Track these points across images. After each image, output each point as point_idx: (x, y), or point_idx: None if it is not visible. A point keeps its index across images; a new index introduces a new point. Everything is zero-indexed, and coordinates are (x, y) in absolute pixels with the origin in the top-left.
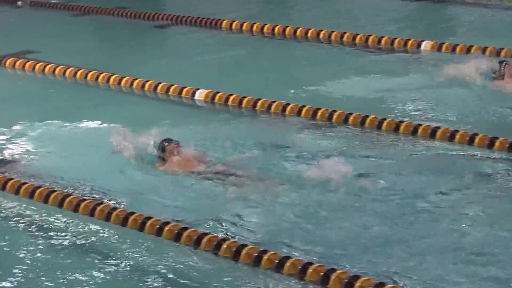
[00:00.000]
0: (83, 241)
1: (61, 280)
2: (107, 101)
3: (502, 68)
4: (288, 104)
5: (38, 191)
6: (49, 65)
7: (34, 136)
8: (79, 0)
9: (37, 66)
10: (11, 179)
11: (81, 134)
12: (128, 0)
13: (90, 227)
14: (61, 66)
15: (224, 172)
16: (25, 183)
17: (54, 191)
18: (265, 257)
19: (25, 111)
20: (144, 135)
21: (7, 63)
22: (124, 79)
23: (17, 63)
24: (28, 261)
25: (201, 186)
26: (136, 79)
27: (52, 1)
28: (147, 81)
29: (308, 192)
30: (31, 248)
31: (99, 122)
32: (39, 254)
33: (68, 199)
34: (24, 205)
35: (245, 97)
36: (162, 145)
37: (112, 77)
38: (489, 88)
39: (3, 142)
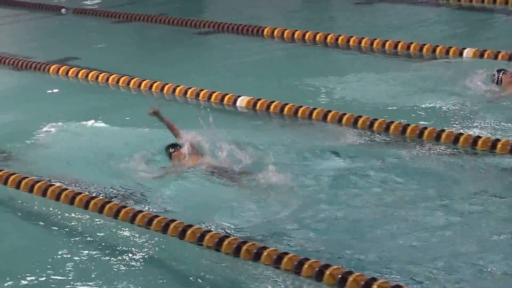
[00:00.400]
0: (124, 248)
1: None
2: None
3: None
4: (330, 111)
5: (78, 197)
6: (92, 72)
7: (75, 142)
8: (121, 6)
9: (80, 72)
10: (52, 185)
11: (125, 138)
12: (171, 7)
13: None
14: (104, 73)
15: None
16: (66, 189)
17: (94, 197)
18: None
19: (69, 117)
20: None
21: (51, 69)
22: (166, 86)
23: (61, 69)
24: (70, 268)
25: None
26: (178, 85)
27: (95, 8)
28: (189, 88)
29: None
30: (71, 254)
31: (141, 127)
32: (78, 259)
33: (108, 206)
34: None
35: (286, 104)
36: (168, 151)
37: (155, 84)
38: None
39: (46, 147)
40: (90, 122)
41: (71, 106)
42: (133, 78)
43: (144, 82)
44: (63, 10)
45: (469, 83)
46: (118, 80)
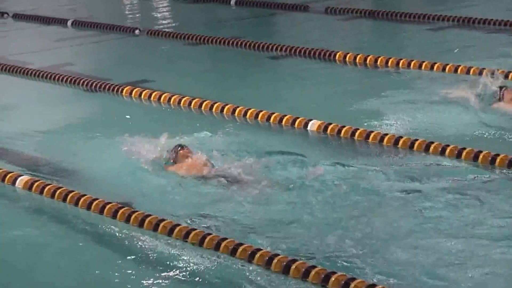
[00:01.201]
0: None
1: None
2: (222, 130)
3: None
4: (401, 137)
5: (134, 215)
6: (165, 94)
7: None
8: (195, 29)
9: (153, 94)
10: (109, 202)
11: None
12: (243, 30)
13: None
14: (176, 95)
15: (226, 176)
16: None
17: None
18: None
19: (141, 138)
20: (256, 164)
21: (124, 91)
22: (238, 109)
23: (134, 91)
24: None
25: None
26: (249, 109)
27: (169, 30)
28: (260, 111)
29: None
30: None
31: (211, 149)
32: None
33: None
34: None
35: (357, 129)
36: (175, 149)
37: (226, 107)
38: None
39: (118, 167)
40: (162, 142)
41: (143, 128)
42: (204, 101)
43: (216, 104)
44: (137, 32)
45: None
46: (190, 102)
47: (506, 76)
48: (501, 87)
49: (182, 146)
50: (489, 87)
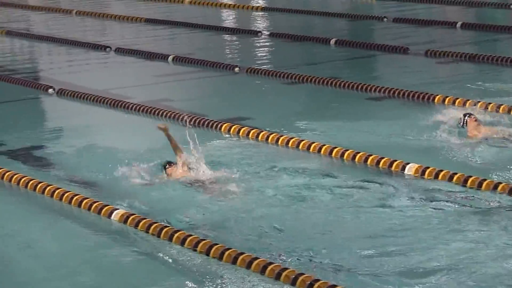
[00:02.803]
0: None
1: None
2: (320, 171)
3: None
4: (500, 183)
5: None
6: (263, 132)
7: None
8: (294, 68)
9: (251, 132)
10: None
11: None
12: (342, 70)
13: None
14: (274, 134)
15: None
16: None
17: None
18: None
19: (242, 176)
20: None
21: (223, 128)
22: (335, 150)
23: (232, 128)
24: None
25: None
26: (347, 150)
27: (268, 69)
28: (358, 152)
29: None
30: None
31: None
32: None
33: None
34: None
35: (455, 173)
36: (163, 167)
37: (324, 147)
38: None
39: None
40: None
41: (243, 166)
42: (302, 140)
43: (314, 144)
44: (236, 69)
45: None
46: (288, 141)
47: None
48: (464, 114)
49: (170, 163)
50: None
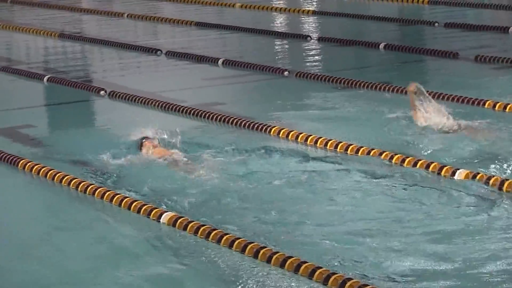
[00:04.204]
0: None
1: None
2: (360, 177)
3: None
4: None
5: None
6: (311, 136)
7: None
8: (343, 72)
9: (300, 136)
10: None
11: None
12: (390, 75)
13: None
14: (323, 138)
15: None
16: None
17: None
18: None
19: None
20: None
21: (272, 131)
22: (384, 153)
23: (281, 132)
24: None
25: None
26: (407, 157)
27: (317, 73)
28: (407, 156)
29: None
30: None
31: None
32: None
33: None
34: None
35: (507, 179)
36: (141, 141)
37: (373, 151)
38: None
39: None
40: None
41: (289, 168)
42: (351, 145)
43: (363, 149)
44: (286, 73)
45: None
46: (337, 145)
47: None
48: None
49: (147, 138)
50: None
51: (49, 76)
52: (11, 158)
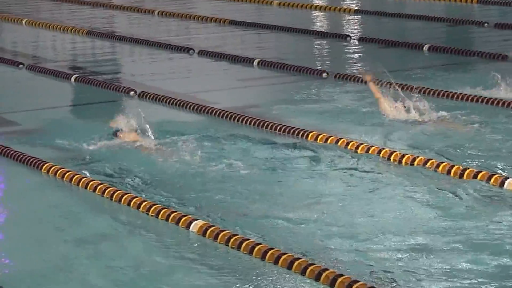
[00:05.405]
0: None
1: None
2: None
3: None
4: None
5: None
6: (353, 142)
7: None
8: (384, 74)
9: (340, 141)
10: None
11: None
12: (434, 78)
13: None
14: (364, 144)
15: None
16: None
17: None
18: None
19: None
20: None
21: (309, 136)
22: (430, 161)
23: (319, 137)
24: None
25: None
26: (442, 162)
27: (357, 75)
28: (453, 165)
29: None
30: None
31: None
32: None
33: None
34: None
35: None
36: (115, 133)
37: (417, 159)
38: None
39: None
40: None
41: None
42: (394, 152)
43: (419, 159)
44: (324, 75)
45: None
46: (380, 151)
47: None
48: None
49: (119, 130)
50: None
51: (77, 75)
52: (34, 160)
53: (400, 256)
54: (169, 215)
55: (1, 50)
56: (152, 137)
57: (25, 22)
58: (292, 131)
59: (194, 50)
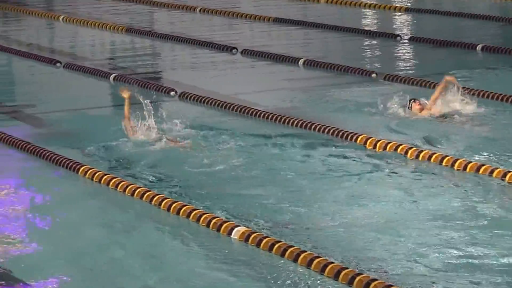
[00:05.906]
0: None
1: None
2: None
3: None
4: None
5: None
6: (402, 145)
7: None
8: (435, 76)
9: (388, 146)
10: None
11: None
12: (488, 81)
13: None
14: (401, 145)
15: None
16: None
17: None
18: None
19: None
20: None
21: (359, 139)
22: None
23: (368, 141)
24: None
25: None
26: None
27: (406, 76)
28: (482, 165)
29: None
30: None
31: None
32: None
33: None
34: None
35: None
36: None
37: (458, 161)
38: None
39: None
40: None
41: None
42: (434, 154)
43: (447, 158)
44: (373, 75)
45: None
46: (418, 154)
47: None
48: (410, 99)
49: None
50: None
51: (115, 74)
52: (71, 163)
53: (463, 272)
54: (209, 221)
55: (38, 48)
56: (192, 140)
57: (63, 19)
58: (340, 134)
59: (237, 49)
